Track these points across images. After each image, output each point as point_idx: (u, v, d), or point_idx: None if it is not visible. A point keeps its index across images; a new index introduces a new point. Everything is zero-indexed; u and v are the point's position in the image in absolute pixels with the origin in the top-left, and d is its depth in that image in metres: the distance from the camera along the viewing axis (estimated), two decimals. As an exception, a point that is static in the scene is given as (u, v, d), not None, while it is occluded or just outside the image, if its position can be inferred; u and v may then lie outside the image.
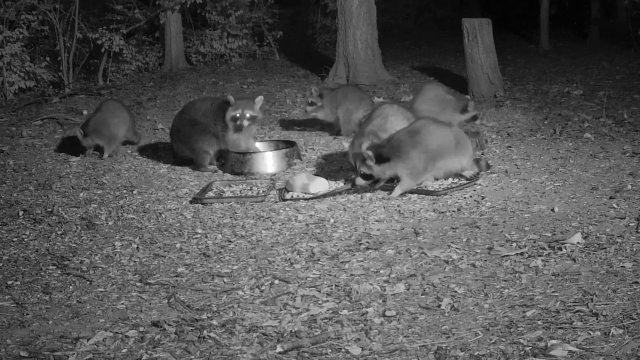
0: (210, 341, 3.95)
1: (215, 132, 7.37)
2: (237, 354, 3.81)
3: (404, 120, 6.77)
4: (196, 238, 5.63)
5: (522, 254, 4.83)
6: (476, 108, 8.28)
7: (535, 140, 7.92)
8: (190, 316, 4.26)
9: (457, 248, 5.03)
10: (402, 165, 6.17)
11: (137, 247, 5.47)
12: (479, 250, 4.98)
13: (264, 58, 14.52)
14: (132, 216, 6.17)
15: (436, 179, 6.49)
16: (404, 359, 3.69)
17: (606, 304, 4.00)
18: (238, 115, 7.24)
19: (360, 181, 6.26)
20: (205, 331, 4.03)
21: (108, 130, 8.11)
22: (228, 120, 7.29)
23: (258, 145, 7.68)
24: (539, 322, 3.89)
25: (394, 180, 6.33)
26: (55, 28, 12.02)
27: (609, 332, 3.69)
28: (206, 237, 5.65)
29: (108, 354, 3.88)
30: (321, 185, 6.48)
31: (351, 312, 4.21)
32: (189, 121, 7.49)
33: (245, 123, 7.27)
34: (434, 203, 6.07)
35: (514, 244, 5.02)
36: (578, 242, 4.88)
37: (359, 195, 6.39)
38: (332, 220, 5.83)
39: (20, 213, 6.29)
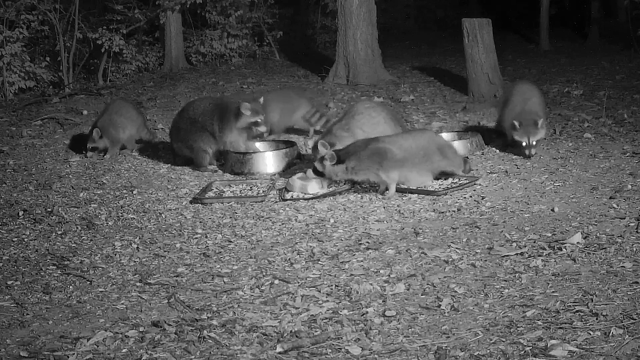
0: (210, 341, 3.95)
1: (212, 132, 7.37)
2: (237, 354, 3.81)
3: (375, 118, 6.72)
4: (196, 238, 5.63)
5: (522, 254, 4.83)
6: (526, 134, 7.05)
7: (535, 140, 7.91)
8: (190, 316, 4.26)
9: (457, 248, 5.03)
10: (352, 170, 6.23)
11: (137, 247, 5.47)
12: (479, 250, 4.98)
13: (264, 58, 14.51)
14: (132, 216, 6.17)
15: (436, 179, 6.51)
16: (404, 359, 3.69)
17: (606, 304, 3.99)
18: (259, 121, 7.31)
19: (310, 174, 6.38)
20: (205, 331, 4.03)
21: (115, 130, 8.11)
22: (243, 125, 7.30)
23: (258, 145, 7.69)
24: (539, 322, 3.89)
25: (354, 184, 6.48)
26: (55, 28, 12.01)
27: (609, 332, 3.69)
28: (206, 237, 5.65)
29: (108, 354, 3.88)
30: (319, 185, 6.47)
31: (351, 312, 4.21)
32: (188, 120, 7.49)
33: (264, 128, 7.41)
34: (434, 203, 6.07)
35: (514, 244, 5.02)
36: (578, 242, 4.88)
37: (359, 195, 6.39)
38: (332, 220, 5.83)
39: (20, 213, 6.29)
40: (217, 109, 7.39)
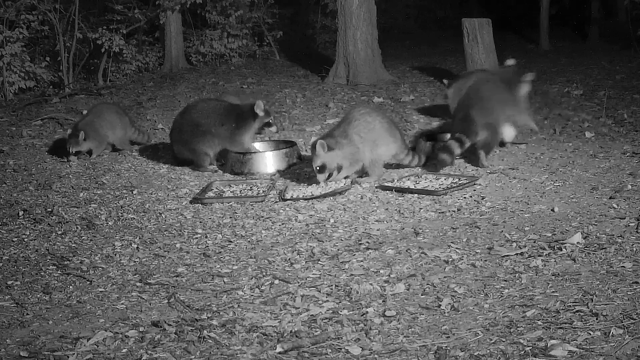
0: (210, 341, 3.95)
1: (219, 133, 7.37)
2: (237, 354, 3.81)
3: (371, 123, 6.75)
4: (196, 238, 5.63)
5: (522, 254, 4.83)
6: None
7: (535, 140, 7.92)
8: (190, 316, 4.26)
9: (457, 248, 5.03)
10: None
11: (137, 247, 5.48)
12: (479, 250, 4.98)
13: (264, 58, 14.51)
14: (132, 216, 6.17)
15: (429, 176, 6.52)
16: (404, 359, 3.69)
17: (606, 304, 3.99)
18: (271, 121, 7.62)
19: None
20: (205, 331, 4.03)
21: (96, 133, 8.09)
22: (258, 126, 7.51)
23: (258, 145, 7.70)
24: (539, 322, 3.89)
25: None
26: (55, 28, 12.01)
27: (609, 332, 3.69)
28: (206, 237, 5.65)
29: (108, 354, 3.88)
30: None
31: (351, 312, 4.21)
32: (190, 123, 7.48)
33: (275, 128, 7.86)
34: (434, 203, 6.08)
35: (514, 244, 5.02)
36: (578, 242, 4.88)
37: (359, 195, 6.39)
38: (332, 220, 5.83)
39: (20, 213, 6.29)
40: (229, 111, 7.45)
